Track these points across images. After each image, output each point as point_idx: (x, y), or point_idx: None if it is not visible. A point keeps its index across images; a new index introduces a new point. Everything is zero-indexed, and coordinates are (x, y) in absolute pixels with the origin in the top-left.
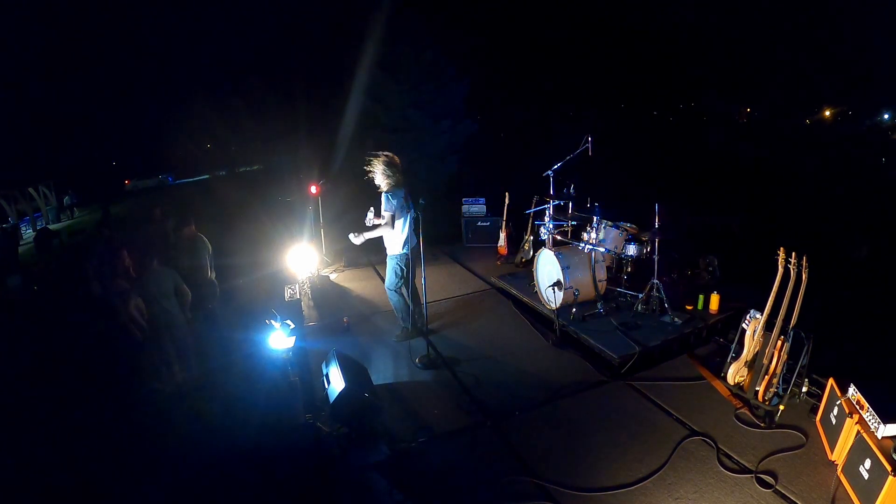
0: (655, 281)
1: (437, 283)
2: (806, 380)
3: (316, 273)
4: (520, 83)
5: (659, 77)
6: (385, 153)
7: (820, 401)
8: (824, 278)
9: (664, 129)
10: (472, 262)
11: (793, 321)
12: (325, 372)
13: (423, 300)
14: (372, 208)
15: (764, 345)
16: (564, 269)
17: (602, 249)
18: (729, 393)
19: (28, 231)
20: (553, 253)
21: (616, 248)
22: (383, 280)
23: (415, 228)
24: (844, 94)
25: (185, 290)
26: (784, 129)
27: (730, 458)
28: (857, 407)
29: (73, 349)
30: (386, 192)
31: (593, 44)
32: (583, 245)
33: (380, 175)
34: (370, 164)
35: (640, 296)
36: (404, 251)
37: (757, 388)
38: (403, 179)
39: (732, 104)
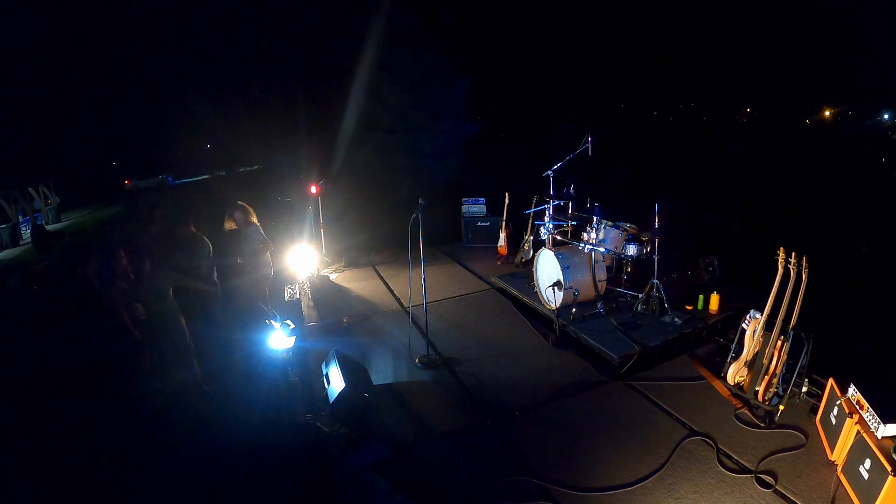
0: (655, 281)
1: (437, 283)
2: (806, 380)
3: (316, 273)
4: (520, 83)
5: (659, 77)
6: (235, 203)
7: (820, 401)
8: (824, 278)
9: (664, 128)
10: (472, 262)
11: (793, 321)
12: (324, 372)
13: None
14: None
15: (764, 345)
16: (564, 269)
17: (602, 249)
18: (729, 393)
19: (28, 231)
20: (553, 253)
21: (616, 248)
22: (384, 280)
23: (414, 228)
24: (844, 94)
25: (186, 284)
26: (784, 129)
27: (730, 458)
28: (857, 407)
29: (73, 349)
30: (255, 226)
31: (594, 43)
32: (583, 245)
33: (242, 220)
34: (230, 218)
35: (640, 296)
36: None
37: (757, 388)
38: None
39: (732, 104)
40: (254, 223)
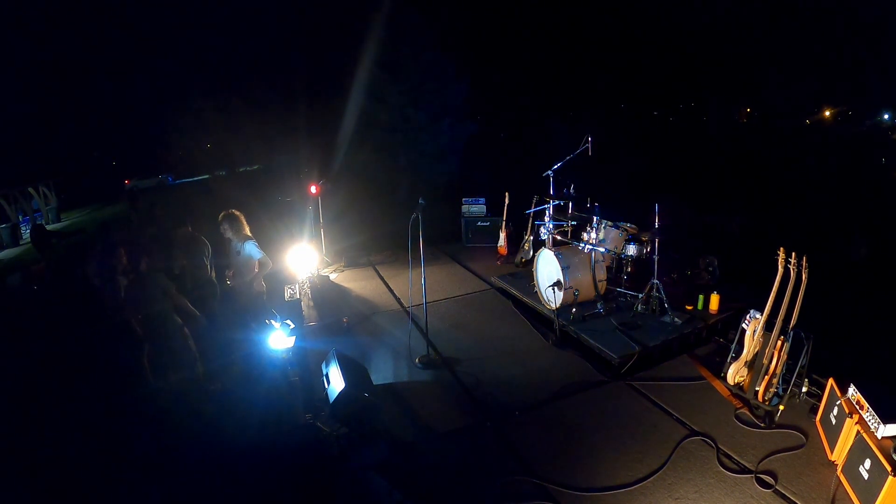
0: (655, 281)
1: (437, 283)
2: (806, 380)
3: (316, 273)
4: (520, 83)
5: (659, 77)
6: (226, 212)
7: (820, 401)
8: (824, 278)
9: (664, 128)
10: (472, 262)
11: (793, 321)
12: (324, 372)
13: None
14: (230, 271)
15: (764, 345)
16: (564, 269)
17: (602, 249)
18: (729, 393)
19: (28, 231)
20: (553, 253)
21: (616, 248)
22: (384, 280)
23: (414, 228)
24: (844, 94)
25: (173, 294)
26: (784, 129)
27: (730, 458)
28: (857, 407)
29: (74, 349)
30: (250, 241)
31: (594, 43)
32: (583, 245)
33: (230, 231)
34: (222, 227)
35: (640, 296)
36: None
37: (757, 388)
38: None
39: (732, 104)
40: (248, 236)
